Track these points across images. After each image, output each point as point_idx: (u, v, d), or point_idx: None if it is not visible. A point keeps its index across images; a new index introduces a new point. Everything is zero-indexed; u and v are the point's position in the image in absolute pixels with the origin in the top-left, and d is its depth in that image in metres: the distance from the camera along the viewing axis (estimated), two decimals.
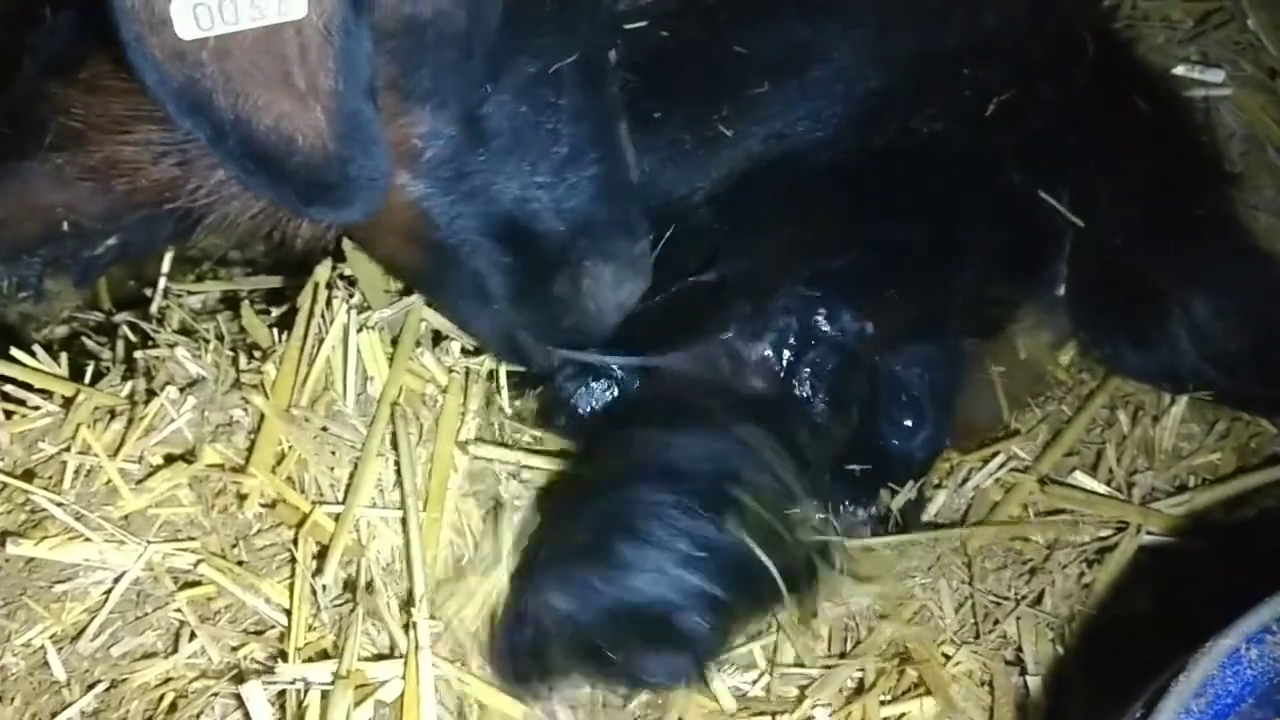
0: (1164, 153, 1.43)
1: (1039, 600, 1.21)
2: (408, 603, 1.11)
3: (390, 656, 1.09)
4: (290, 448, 1.17)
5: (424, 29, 1.07)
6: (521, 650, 1.09)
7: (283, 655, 1.09)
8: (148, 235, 1.44)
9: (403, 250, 1.24)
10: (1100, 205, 1.37)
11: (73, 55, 1.36)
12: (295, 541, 1.13)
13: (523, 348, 1.26)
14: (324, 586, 1.11)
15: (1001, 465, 1.30)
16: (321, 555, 1.13)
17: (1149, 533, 1.24)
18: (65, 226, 1.42)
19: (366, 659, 1.09)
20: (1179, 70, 1.63)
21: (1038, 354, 1.43)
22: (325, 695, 1.06)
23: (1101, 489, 1.27)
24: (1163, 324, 1.37)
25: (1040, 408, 1.38)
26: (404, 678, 1.07)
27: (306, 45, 1.00)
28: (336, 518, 1.14)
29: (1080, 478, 1.29)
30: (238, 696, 1.07)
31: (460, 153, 1.16)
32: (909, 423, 1.26)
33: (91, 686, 1.10)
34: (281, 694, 1.09)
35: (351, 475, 1.17)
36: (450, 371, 1.25)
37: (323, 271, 1.29)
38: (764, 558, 1.08)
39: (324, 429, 1.18)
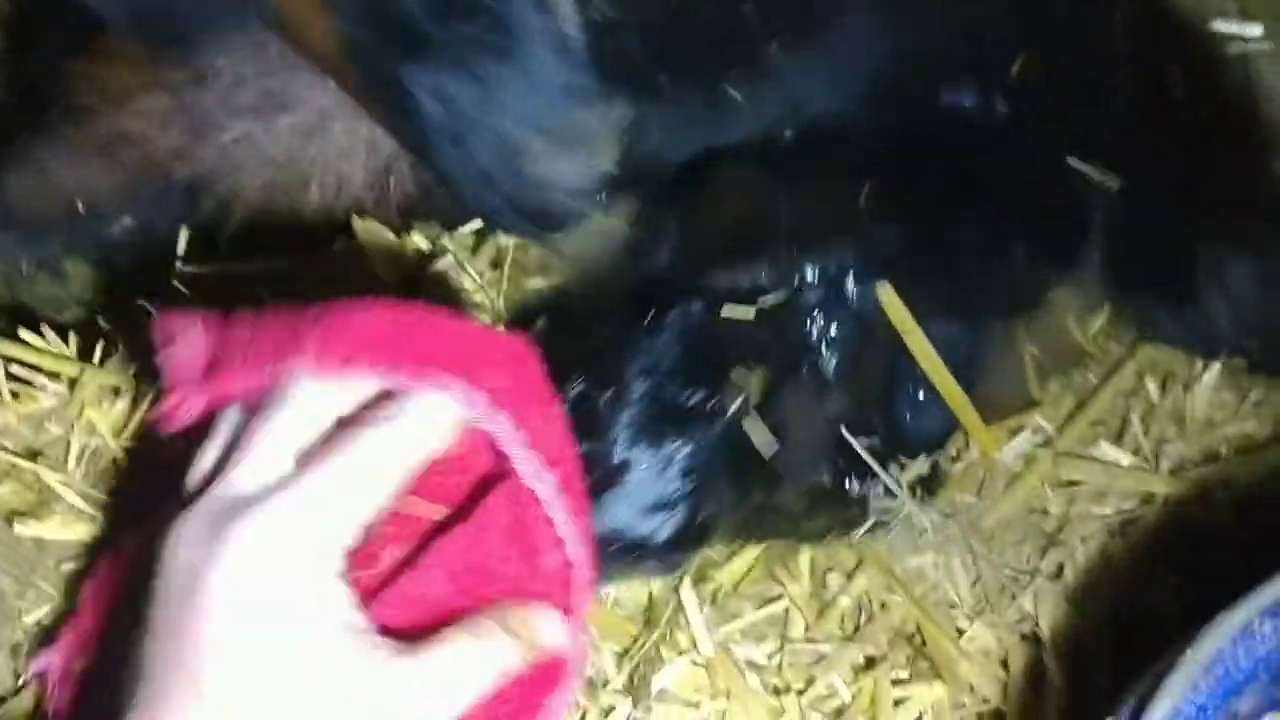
0: (1200, 116, 1.38)
1: (1059, 574, 1.17)
2: None
3: None
4: None
5: None
6: None
7: None
8: (160, 211, 1.44)
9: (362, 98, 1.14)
10: (1134, 170, 1.32)
11: (89, 27, 1.36)
12: None
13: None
14: None
15: (1022, 438, 1.25)
16: None
17: (1176, 503, 1.20)
18: (80, 207, 1.44)
19: None
20: (1216, 25, 1.56)
21: (1067, 325, 1.38)
22: None
23: (1126, 460, 1.23)
24: (1196, 290, 1.32)
25: (1065, 376, 1.33)
26: None
27: None
28: None
29: (1105, 448, 1.24)
30: None
31: None
32: (923, 396, 1.23)
33: None
34: None
35: None
36: None
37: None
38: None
39: None
